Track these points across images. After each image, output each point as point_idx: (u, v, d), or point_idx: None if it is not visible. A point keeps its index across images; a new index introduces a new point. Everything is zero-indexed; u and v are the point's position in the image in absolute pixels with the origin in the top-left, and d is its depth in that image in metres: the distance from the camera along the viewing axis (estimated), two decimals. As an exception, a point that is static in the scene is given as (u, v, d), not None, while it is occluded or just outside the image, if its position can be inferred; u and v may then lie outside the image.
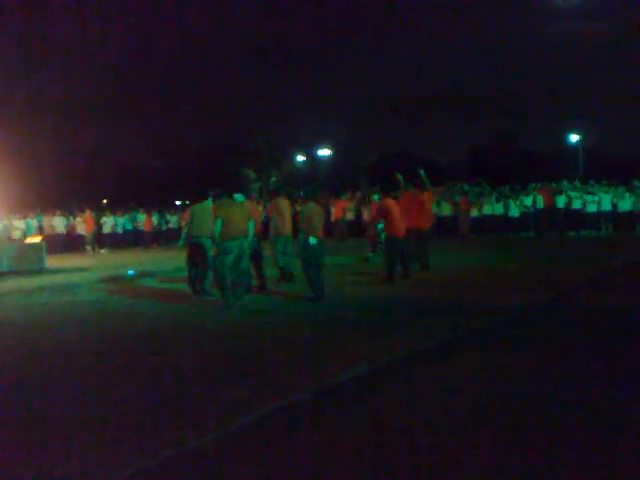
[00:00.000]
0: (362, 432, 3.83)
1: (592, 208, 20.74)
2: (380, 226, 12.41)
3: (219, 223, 8.39)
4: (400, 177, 12.53)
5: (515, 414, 4.01)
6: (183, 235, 10.01)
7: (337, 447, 3.62)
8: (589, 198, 20.90)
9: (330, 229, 20.92)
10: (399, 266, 10.72)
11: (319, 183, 39.89)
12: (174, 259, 15.27)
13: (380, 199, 11.50)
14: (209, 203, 9.59)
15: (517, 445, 3.55)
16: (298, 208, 19.11)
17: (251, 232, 8.97)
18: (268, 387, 4.73)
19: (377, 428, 3.88)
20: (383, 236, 11.50)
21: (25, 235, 18.85)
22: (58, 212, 24.15)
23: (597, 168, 31.54)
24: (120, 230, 25.10)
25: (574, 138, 39.10)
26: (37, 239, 17.10)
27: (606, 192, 20.81)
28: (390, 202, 10.75)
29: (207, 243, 9.43)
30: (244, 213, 8.74)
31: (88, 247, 23.16)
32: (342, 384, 4.80)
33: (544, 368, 5.06)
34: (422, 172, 12.34)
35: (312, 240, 8.80)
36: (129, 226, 25.41)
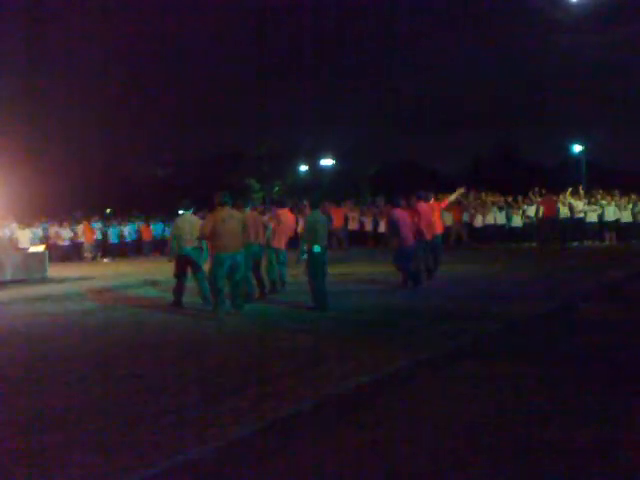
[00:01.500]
0: (364, 442, 3.83)
1: (594, 218, 20.73)
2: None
3: (208, 235, 8.46)
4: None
5: (515, 428, 4.01)
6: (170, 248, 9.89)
7: (339, 457, 3.63)
8: (591, 208, 20.90)
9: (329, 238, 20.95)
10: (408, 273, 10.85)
11: (322, 192, 40.03)
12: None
13: (388, 209, 11.53)
14: (188, 214, 9.78)
15: (515, 459, 3.55)
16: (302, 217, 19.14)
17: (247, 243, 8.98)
18: (269, 397, 4.74)
19: (378, 438, 3.88)
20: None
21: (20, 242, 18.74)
22: (65, 223, 24.24)
23: (600, 180, 31.53)
24: (127, 239, 25.16)
25: (577, 149, 39.11)
26: (40, 248, 17.15)
27: (608, 203, 20.80)
28: (399, 212, 10.83)
29: (194, 254, 9.48)
30: (239, 225, 8.64)
31: (87, 255, 23.33)
32: (344, 394, 4.80)
33: (545, 380, 5.06)
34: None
35: (316, 248, 8.81)
36: (133, 235, 25.50)
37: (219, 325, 8.08)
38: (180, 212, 10.10)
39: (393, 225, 10.73)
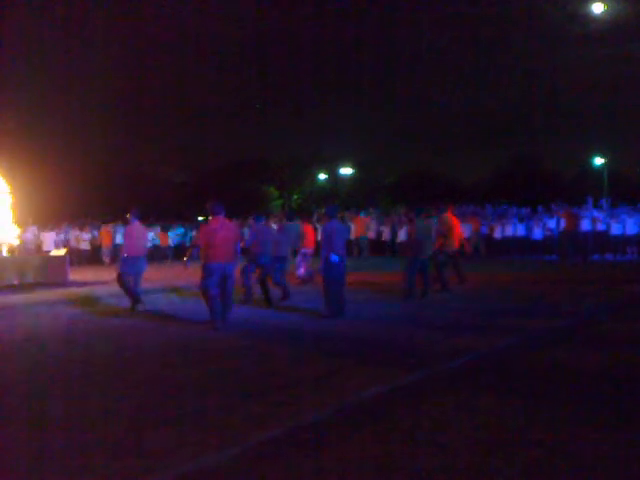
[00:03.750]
0: (383, 451, 3.80)
1: (617, 231, 20.50)
2: None
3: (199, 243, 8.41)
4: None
5: (541, 440, 3.97)
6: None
7: (358, 466, 3.61)
8: (613, 221, 20.68)
9: (350, 247, 21.01)
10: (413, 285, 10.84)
11: (340, 201, 40.02)
12: (194, 274, 15.34)
13: (411, 220, 11.60)
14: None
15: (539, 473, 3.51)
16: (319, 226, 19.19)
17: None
18: (286, 405, 4.74)
19: (398, 448, 3.85)
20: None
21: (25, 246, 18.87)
22: (86, 228, 24.51)
23: (622, 192, 31.18)
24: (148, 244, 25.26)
25: (598, 161, 38.79)
26: (61, 252, 17.34)
27: (630, 215, 20.57)
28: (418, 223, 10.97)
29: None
30: (230, 235, 8.43)
31: (105, 259, 23.55)
32: (362, 403, 4.79)
33: (562, 396, 5.00)
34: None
35: (334, 257, 8.82)
36: (155, 240, 25.66)
37: (214, 329, 8.06)
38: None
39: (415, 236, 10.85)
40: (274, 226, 13.06)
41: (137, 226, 10.50)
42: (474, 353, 6.39)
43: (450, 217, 12.49)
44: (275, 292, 10.66)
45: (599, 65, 61.20)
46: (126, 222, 11.49)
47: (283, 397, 4.94)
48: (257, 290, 10.63)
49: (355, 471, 3.55)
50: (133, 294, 10.17)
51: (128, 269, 10.20)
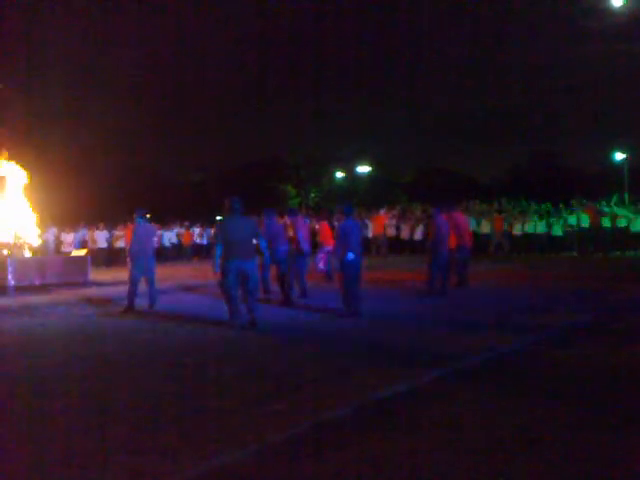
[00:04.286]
0: (400, 450, 3.79)
1: (637, 227, 20.23)
2: None
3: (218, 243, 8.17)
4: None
5: (557, 438, 3.92)
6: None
7: (375, 464, 3.60)
8: (635, 216, 20.40)
9: (368, 245, 20.98)
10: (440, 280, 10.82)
11: (358, 199, 39.93)
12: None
13: (433, 216, 11.55)
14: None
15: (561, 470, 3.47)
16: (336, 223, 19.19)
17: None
18: (304, 403, 4.74)
19: (415, 447, 3.83)
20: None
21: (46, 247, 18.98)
22: (101, 226, 24.64)
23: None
24: (166, 244, 25.39)
25: (619, 157, 38.29)
26: (82, 252, 17.51)
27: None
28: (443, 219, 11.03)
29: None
30: (246, 232, 8.19)
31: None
32: (380, 401, 4.78)
33: (585, 395, 4.94)
34: None
35: (349, 256, 8.80)
36: (174, 239, 25.80)
37: (233, 328, 8.04)
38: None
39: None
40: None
41: (142, 226, 10.51)
42: (493, 352, 6.35)
43: (458, 216, 12.37)
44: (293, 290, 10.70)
45: (618, 60, 60.40)
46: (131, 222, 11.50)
47: (302, 396, 4.95)
48: (275, 287, 10.68)
49: (374, 470, 3.54)
50: (130, 298, 10.13)
51: (134, 269, 10.26)
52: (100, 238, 24.08)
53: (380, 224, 23.53)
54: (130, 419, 4.53)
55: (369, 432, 4.13)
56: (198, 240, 26.23)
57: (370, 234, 23.08)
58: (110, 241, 24.21)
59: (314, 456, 3.73)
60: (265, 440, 3.96)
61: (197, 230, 26.42)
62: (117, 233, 23.95)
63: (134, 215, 10.58)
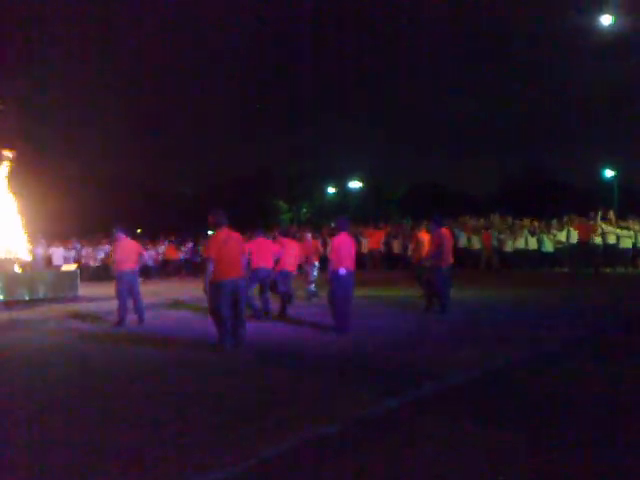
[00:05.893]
0: (392, 465, 3.77)
1: (627, 244, 20.32)
2: None
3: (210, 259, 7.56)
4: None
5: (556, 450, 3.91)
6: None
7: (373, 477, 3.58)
8: (624, 233, 20.48)
9: (362, 261, 20.96)
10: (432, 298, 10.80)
11: (349, 214, 39.99)
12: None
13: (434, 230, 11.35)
14: None
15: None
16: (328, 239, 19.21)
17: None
18: (293, 420, 4.71)
19: (406, 462, 3.81)
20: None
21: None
22: (102, 242, 24.49)
23: (632, 205, 30.98)
24: (151, 263, 25.15)
25: (609, 174, 38.60)
26: (72, 267, 17.43)
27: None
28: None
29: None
30: (237, 249, 7.81)
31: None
32: (372, 417, 4.75)
33: (579, 403, 4.94)
34: None
35: (342, 271, 8.77)
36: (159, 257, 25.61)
37: (221, 347, 7.63)
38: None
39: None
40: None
41: (123, 241, 10.46)
42: (479, 369, 6.34)
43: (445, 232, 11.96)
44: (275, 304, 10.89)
45: (610, 76, 61.18)
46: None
47: (294, 411, 4.92)
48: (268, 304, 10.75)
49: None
50: (120, 313, 10.13)
51: (120, 285, 10.21)
52: (91, 253, 23.97)
53: (376, 239, 23.68)
54: (129, 431, 4.49)
55: (362, 447, 4.10)
56: (186, 256, 25.88)
57: (365, 249, 23.20)
58: (102, 259, 24.02)
59: (309, 470, 3.70)
60: (256, 456, 3.93)
61: (190, 245, 26.25)
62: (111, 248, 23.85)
63: (114, 230, 10.59)
